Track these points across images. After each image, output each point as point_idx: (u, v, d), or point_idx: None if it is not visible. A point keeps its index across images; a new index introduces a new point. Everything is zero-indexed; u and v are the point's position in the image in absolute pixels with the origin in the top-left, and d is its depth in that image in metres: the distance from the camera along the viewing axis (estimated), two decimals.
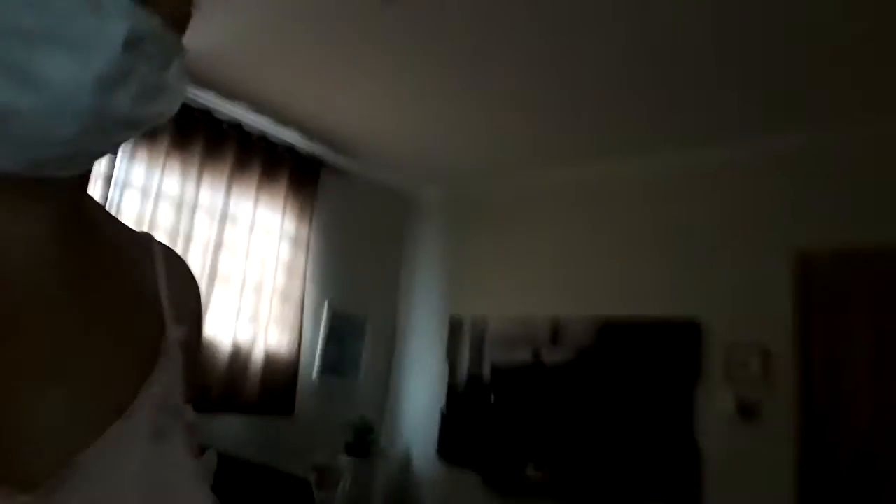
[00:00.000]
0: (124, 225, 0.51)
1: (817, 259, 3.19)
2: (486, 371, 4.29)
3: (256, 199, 4.09)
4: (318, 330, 4.49)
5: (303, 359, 4.30)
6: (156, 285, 0.48)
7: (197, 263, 3.73)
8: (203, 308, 0.59)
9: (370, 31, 2.99)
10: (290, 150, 4.32)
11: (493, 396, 4.20)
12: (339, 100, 3.82)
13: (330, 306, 4.54)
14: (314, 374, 4.43)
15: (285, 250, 4.24)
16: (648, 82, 3.13)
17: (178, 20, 0.39)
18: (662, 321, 3.54)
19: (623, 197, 4.02)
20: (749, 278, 3.36)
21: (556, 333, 3.97)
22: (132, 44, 0.33)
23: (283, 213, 4.24)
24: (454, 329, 4.60)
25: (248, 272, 4.00)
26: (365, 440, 4.31)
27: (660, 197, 3.85)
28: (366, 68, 3.37)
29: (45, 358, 0.36)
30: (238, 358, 3.89)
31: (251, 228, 4.04)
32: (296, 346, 4.21)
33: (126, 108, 0.35)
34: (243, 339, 3.94)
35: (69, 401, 0.36)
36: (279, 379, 4.09)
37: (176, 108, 0.39)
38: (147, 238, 0.52)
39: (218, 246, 3.85)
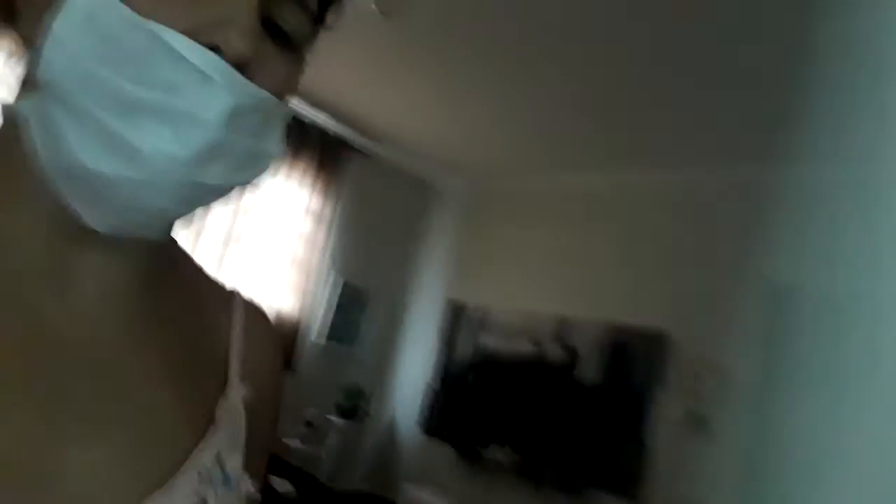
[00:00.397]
0: (210, 278, 0.51)
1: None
2: (477, 356, 4.55)
3: (280, 170, 4.46)
4: (325, 297, 4.85)
5: (308, 322, 4.66)
6: (228, 342, 0.47)
7: (216, 224, 4.12)
8: (280, 368, 0.58)
9: (407, 24, 3.10)
10: (317, 128, 4.65)
11: (476, 380, 4.47)
12: (370, 86, 4.08)
13: (338, 276, 4.88)
14: (317, 337, 4.79)
15: (302, 219, 4.59)
16: (663, 101, 3.28)
17: (285, 89, 0.38)
18: (634, 328, 3.72)
19: (627, 208, 4.19)
20: (722, 298, 3.49)
21: (555, 332, 4.17)
22: (234, 118, 0.32)
23: (304, 184, 4.59)
24: (456, 313, 4.87)
25: (264, 236, 4.38)
26: (355, 404, 4.66)
27: (654, 211, 4.01)
28: (399, 59, 3.57)
29: (100, 408, 0.36)
30: None
31: (272, 196, 4.41)
32: (302, 309, 4.58)
33: (219, 179, 0.35)
34: (253, 296, 4.31)
35: (111, 463, 0.35)
36: (283, 337, 4.47)
37: (268, 172, 0.39)
38: (230, 293, 0.52)
39: (237, 209, 4.23)
